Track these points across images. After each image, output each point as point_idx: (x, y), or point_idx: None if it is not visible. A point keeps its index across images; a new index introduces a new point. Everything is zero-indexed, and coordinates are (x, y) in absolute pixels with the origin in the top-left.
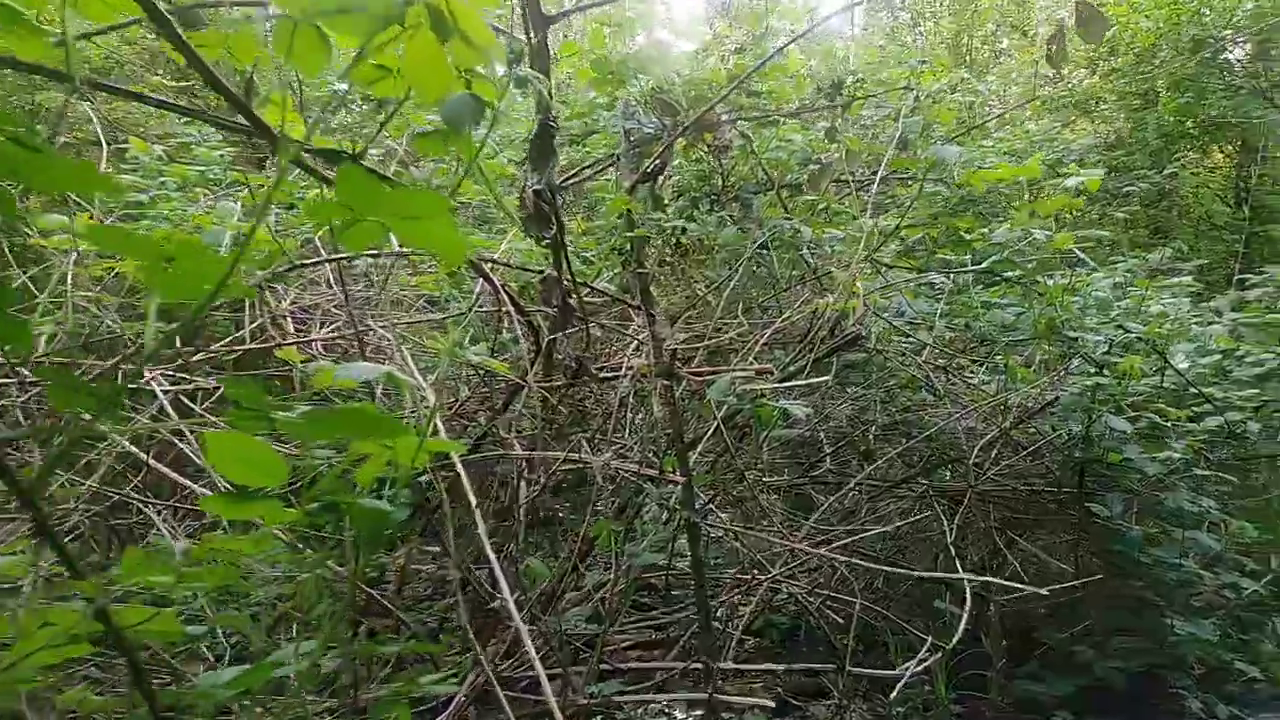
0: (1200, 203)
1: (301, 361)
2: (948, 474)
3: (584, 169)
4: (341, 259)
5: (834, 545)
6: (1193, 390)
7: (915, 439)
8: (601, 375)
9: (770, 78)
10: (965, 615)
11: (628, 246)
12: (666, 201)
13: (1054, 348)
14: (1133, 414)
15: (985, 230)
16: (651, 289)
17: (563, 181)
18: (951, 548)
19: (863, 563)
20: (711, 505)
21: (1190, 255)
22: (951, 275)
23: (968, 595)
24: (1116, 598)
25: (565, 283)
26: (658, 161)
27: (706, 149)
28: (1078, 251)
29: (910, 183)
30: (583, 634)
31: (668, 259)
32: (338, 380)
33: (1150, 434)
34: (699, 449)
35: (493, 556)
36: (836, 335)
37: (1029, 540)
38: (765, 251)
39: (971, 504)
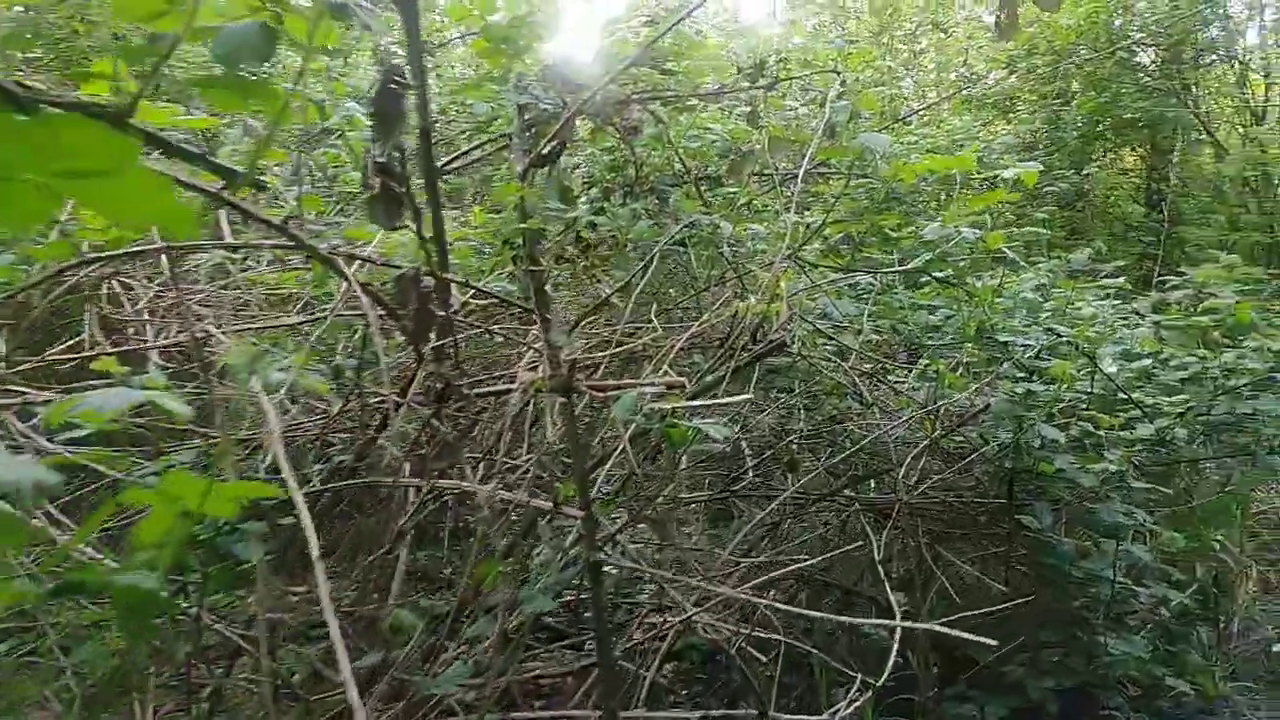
0: (1116, 204)
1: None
2: (875, 486)
3: (472, 149)
4: (176, 248)
5: (756, 577)
6: (1121, 396)
7: (842, 450)
8: (484, 391)
9: (686, 57)
10: (895, 643)
11: (520, 241)
12: (577, 193)
13: (983, 352)
14: (1064, 421)
15: (914, 228)
16: (549, 289)
17: (447, 164)
18: (879, 565)
19: (783, 606)
20: (619, 535)
21: (1109, 256)
22: (878, 275)
23: (897, 617)
24: (1048, 613)
25: (430, 282)
26: (555, 143)
27: (615, 131)
28: (1008, 251)
29: (835, 178)
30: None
31: (569, 255)
32: (77, 414)
33: (1082, 443)
34: (604, 472)
35: (331, 616)
36: (759, 341)
37: (959, 554)
38: (683, 249)
39: (900, 518)
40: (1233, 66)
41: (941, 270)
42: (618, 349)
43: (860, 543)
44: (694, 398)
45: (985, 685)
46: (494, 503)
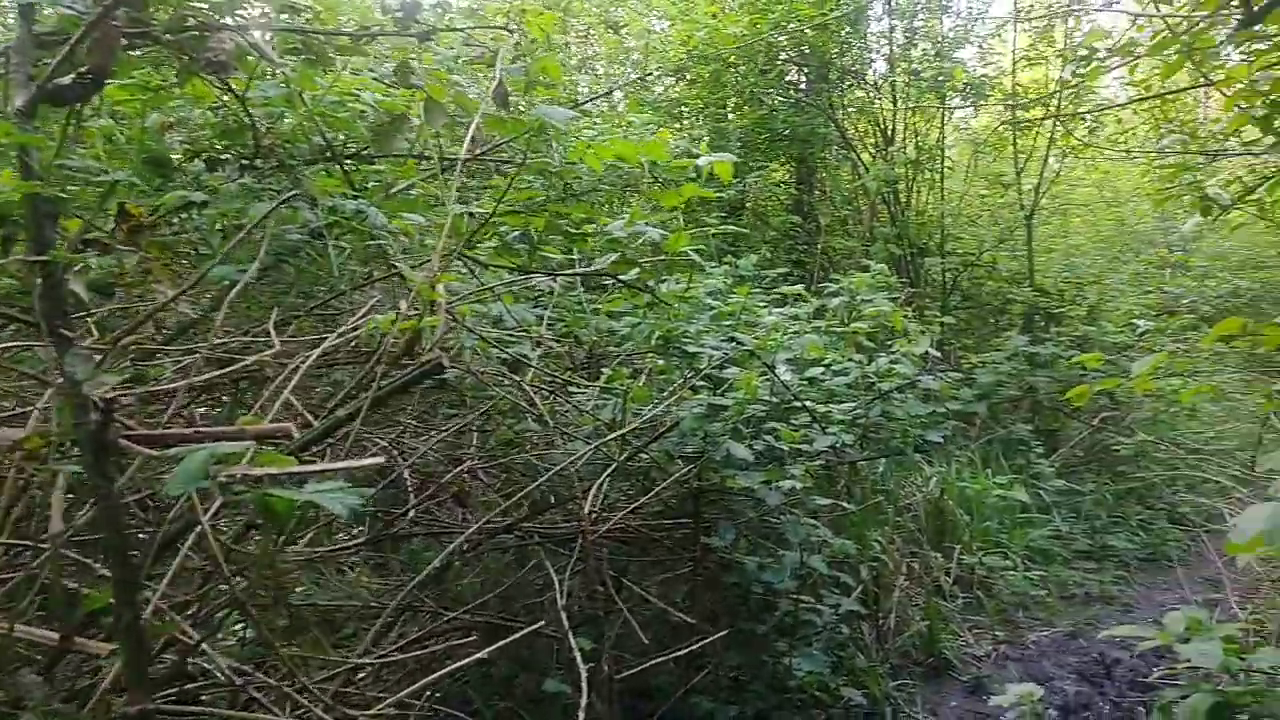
0: (773, 213)
1: None
2: (557, 515)
3: None
4: None
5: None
6: (796, 404)
7: (520, 476)
8: None
9: None
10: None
11: (15, 215)
12: (179, 163)
13: (669, 362)
14: (749, 434)
15: (596, 226)
16: (81, 290)
17: None
18: (561, 602)
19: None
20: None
21: (773, 264)
22: (559, 278)
23: (579, 660)
24: (736, 636)
25: None
26: (84, 68)
27: (201, 68)
28: (692, 254)
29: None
30: None
31: (106, 239)
32: None
33: (768, 457)
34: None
35: None
36: (413, 360)
37: (649, 579)
38: (319, 239)
39: (585, 548)
40: (866, 92)
41: (627, 273)
42: (217, 373)
43: (539, 579)
44: (321, 438)
45: (678, 717)
46: None
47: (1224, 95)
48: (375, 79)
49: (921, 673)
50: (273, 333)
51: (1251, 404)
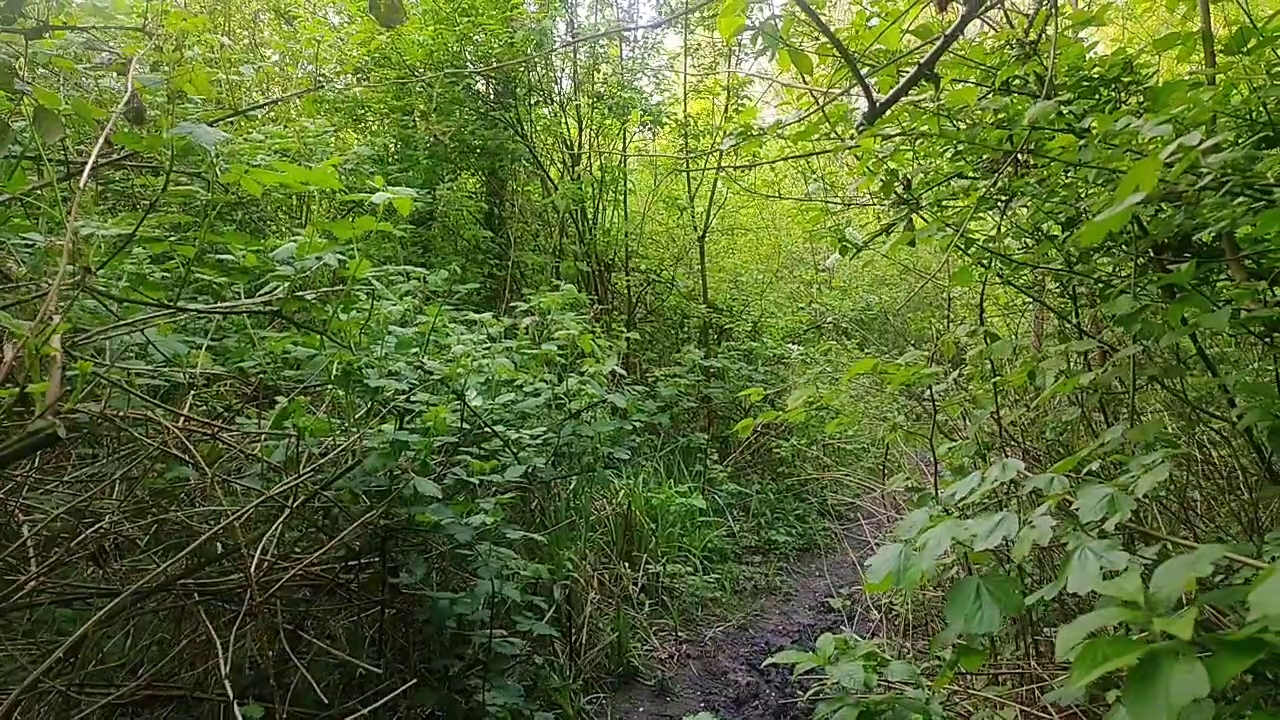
0: (464, 226)
1: None
2: (222, 566)
3: None
4: None
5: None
6: (486, 430)
7: (176, 528)
8: None
9: None
10: None
11: None
12: None
13: (351, 395)
14: (439, 466)
15: (261, 247)
16: None
17: None
18: (225, 669)
19: None
20: None
21: (465, 279)
22: (218, 308)
23: None
24: (428, 676)
25: None
26: None
27: None
28: (375, 282)
29: (147, 173)
30: None
31: None
32: None
33: (458, 489)
34: None
35: None
36: (20, 432)
37: (336, 628)
38: None
39: (256, 601)
40: (551, 108)
41: (300, 309)
42: None
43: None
44: None
45: None
46: None
47: (856, 159)
48: None
49: (612, 682)
50: None
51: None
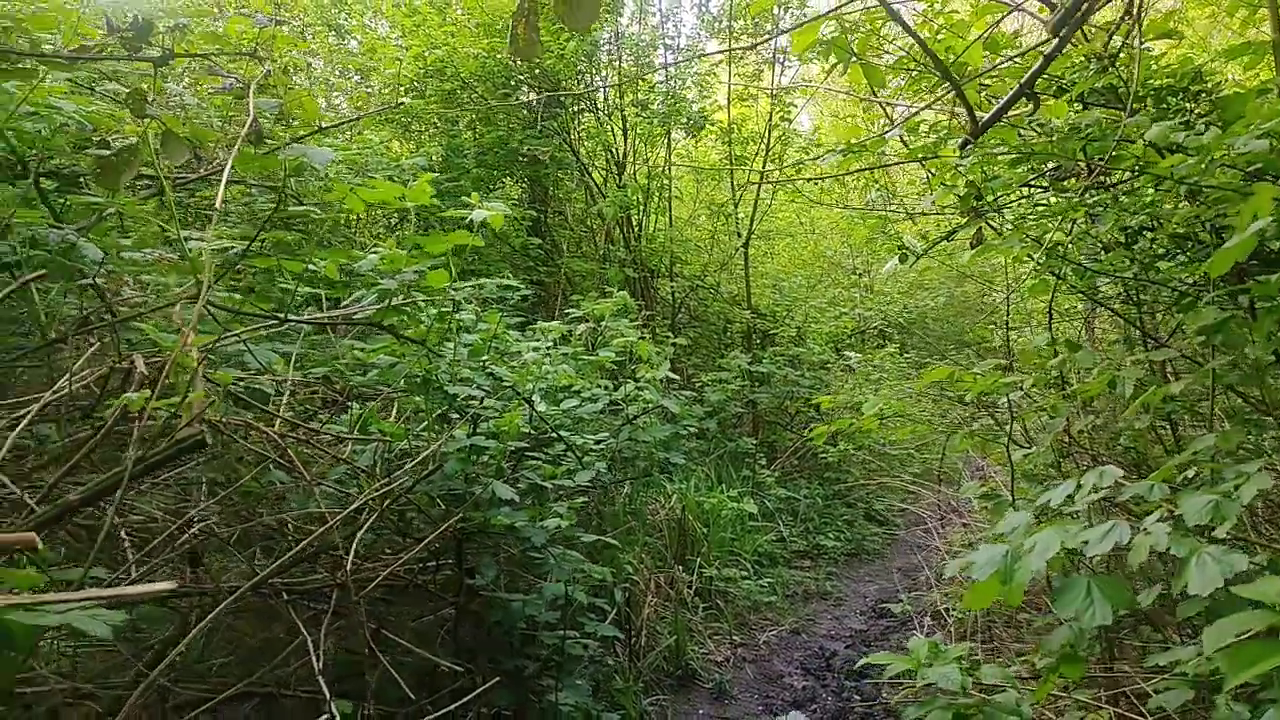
0: (513, 234)
1: None
2: (314, 567)
3: None
4: None
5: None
6: (552, 436)
7: (271, 530)
8: None
9: (22, 2)
10: None
11: None
12: None
13: (430, 403)
14: (512, 472)
15: (347, 260)
16: None
17: None
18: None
19: None
20: None
21: (518, 287)
22: (320, 318)
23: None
24: (501, 674)
25: None
26: None
27: None
28: (454, 293)
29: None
30: None
31: None
32: None
33: (531, 494)
34: None
35: None
36: (168, 439)
37: (406, 628)
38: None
39: (344, 600)
40: (596, 118)
41: (390, 320)
42: None
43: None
44: (53, 523)
45: None
46: None
47: (931, 174)
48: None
49: (671, 684)
50: None
51: (922, 410)
